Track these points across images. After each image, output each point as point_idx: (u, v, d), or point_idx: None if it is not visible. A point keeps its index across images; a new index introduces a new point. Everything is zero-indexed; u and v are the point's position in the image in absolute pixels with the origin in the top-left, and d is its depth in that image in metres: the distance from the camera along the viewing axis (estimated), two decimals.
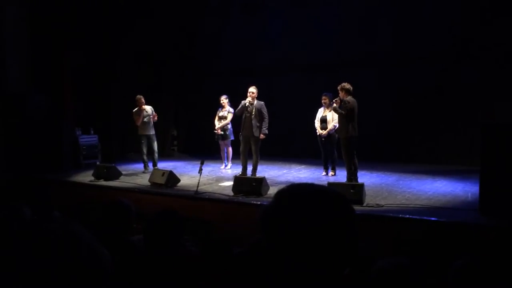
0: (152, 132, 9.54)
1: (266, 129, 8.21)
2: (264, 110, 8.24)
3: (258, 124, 8.17)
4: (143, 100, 9.45)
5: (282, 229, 1.09)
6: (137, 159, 10.21)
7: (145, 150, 9.50)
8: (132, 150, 11.48)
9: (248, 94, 8.22)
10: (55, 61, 10.65)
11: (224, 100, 9.64)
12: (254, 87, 8.27)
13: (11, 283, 1.00)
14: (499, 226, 5.12)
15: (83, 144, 10.59)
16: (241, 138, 8.46)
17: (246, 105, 8.18)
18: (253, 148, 8.29)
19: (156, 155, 9.59)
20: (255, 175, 8.21)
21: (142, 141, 9.46)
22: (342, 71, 9.89)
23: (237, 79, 10.53)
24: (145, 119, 9.39)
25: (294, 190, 1.15)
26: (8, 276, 1.01)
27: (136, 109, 9.47)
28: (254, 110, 8.15)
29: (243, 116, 8.30)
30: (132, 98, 9.62)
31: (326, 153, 8.73)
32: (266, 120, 8.22)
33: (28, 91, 10.30)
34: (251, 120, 8.17)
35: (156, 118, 9.47)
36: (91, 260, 1.06)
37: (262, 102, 8.27)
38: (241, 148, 8.56)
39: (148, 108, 9.47)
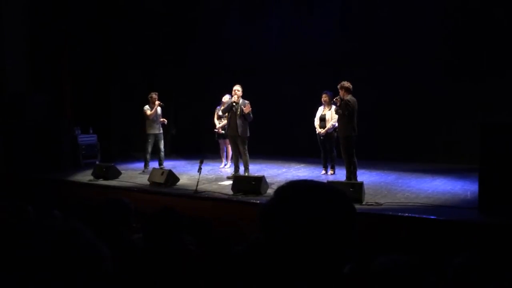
0: (160, 131, 9.51)
1: (249, 115, 8.12)
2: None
3: (242, 124, 8.13)
4: (155, 96, 9.39)
5: (282, 226, 1.09)
6: (140, 157, 10.12)
7: (150, 149, 9.43)
8: (134, 149, 11.47)
9: (233, 92, 8.20)
10: (54, 60, 10.65)
11: (227, 98, 9.60)
12: (239, 85, 8.22)
13: (12, 280, 1.00)
14: (498, 224, 5.13)
15: (82, 143, 10.58)
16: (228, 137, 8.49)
17: (233, 104, 8.17)
18: (240, 148, 8.24)
19: (162, 154, 9.56)
20: (248, 173, 8.19)
21: (149, 140, 9.38)
22: (342, 69, 9.90)
23: (237, 78, 10.53)
24: (155, 118, 9.37)
25: (293, 186, 1.15)
26: (8, 273, 1.01)
27: (147, 105, 9.41)
28: (239, 109, 8.13)
29: (229, 115, 8.29)
30: (131, 97, 9.61)
31: (325, 152, 8.73)
32: (250, 118, 8.17)
33: (28, 91, 10.30)
34: (236, 119, 8.13)
35: (165, 121, 9.50)
36: (91, 257, 1.06)
37: (247, 101, 8.22)
38: (231, 148, 8.59)
39: (158, 109, 9.45)
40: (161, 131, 9.53)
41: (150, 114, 9.27)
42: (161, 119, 9.46)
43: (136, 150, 11.48)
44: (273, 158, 10.61)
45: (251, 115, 8.19)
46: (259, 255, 2.23)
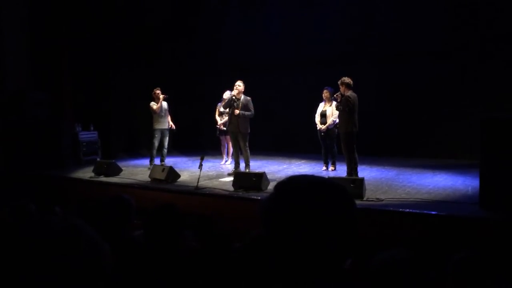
0: (167, 126, 9.57)
1: (247, 115, 8.12)
2: (251, 106, 8.18)
3: (243, 120, 8.11)
4: (158, 92, 9.43)
5: (282, 221, 1.09)
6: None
7: (156, 144, 9.46)
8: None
9: (234, 87, 8.18)
10: (54, 58, 10.64)
11: (227, 95, 9.59)
12: (241, 81, 8.20)
13: (11, 276, 1.00)
14: (499, 220, 5.13)
15: (83, 140, 10.58)
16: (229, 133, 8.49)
17: (233, 99, 8.15)
18: (241, 144, 8.24)
19: (165, 150, 9.59)
20: (249, 170, 8.19)
21: (156, 135, 9.43)
22: (342, 65, 9.88)
23: (237, 76, 10.53)
24: (162, 113, 9.39)
25: (293, 181, 1.14)
26: (8, 270, 1.01)
27: (153, 101, 9.43)
28: (240, 106, 8.11)
29: (230, 111, 8.28)
30: (132, 95, 9.59)
31: (326, 148, 8.73)
32: (251, 115, 8.17)
33: (28, 88, 10.29)
34: (237, 115, 8.13)
35: (173, 127, 9.61)
36: (92, 253, 1.06)
37: (249, 98, 8.21)
38: (231, 144, 8.57)
39: (165, 104, 9.47)
40: (168, 126, 9.58)
41: (157, 108, 9.33)
42: (171, 124, 9.55)
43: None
44: (274, 154, 10.62)
45: (253, 111, 8.19)
46: (259, 251, 2.23)
